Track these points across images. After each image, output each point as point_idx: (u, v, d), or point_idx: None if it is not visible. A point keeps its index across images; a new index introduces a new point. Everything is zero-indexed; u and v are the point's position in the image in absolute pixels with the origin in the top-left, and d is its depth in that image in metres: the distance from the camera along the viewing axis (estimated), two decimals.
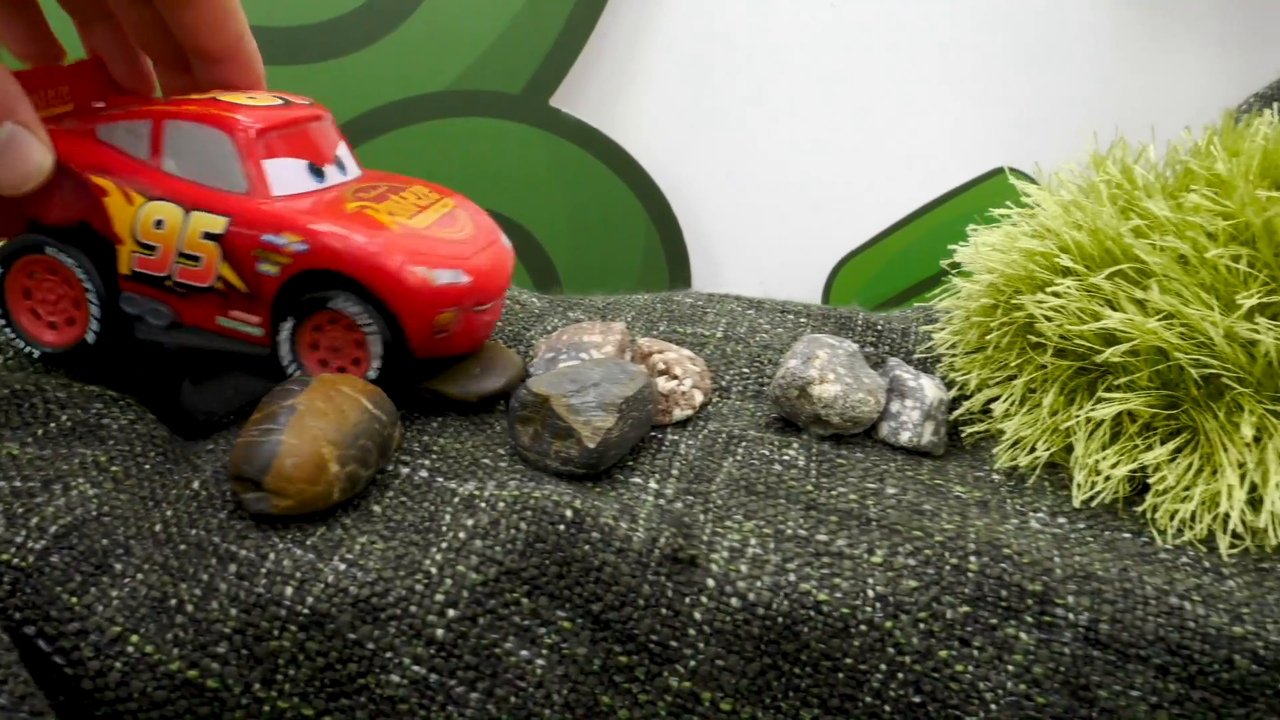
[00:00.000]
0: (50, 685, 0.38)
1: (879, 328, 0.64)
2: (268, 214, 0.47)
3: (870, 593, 0.42)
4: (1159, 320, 0.47)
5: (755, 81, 1.18)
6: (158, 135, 0.48)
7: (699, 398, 0.53)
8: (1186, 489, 0.46)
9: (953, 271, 0.60)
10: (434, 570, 0.41)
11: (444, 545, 0.42)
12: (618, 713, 0.41)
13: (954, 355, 0.58)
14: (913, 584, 0.42)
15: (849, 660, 0.41)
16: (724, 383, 0.57)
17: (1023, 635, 0.42)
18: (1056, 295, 0.50)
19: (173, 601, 0.39)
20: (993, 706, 0.41)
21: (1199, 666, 0.40)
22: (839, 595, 0.42)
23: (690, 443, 0.50)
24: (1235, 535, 0.45)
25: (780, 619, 0.41)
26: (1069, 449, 0.50)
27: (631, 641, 0.41)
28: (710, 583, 0.42)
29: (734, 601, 0.41)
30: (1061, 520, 0.47)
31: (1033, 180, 0.59)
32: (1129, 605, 0.42)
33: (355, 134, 1.09)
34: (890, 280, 1.23)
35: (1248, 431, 0.45)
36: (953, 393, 0.56)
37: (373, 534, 0.42)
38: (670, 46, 1.16)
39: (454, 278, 0.48)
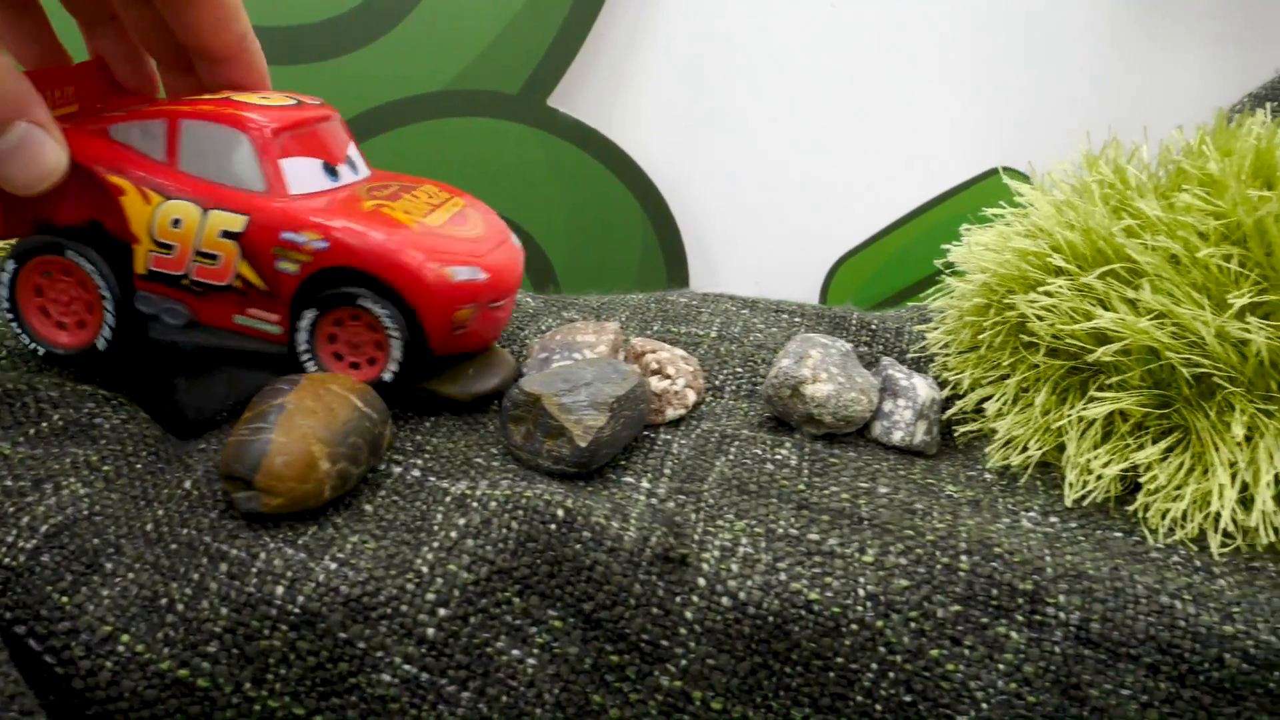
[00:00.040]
0: (41, 684, 0.38)
1: (873, 327, 0.64)
2: (287, 212, 0.47)
3: (861, 592, 0.42)
4: (1151, 320, 0.47)
5: (753, 81, 1.18)
6: (174, 135, 0.48)
7: (692, 397, 0.53)
8: (1178, 488, 0.46)
9: (947, 271, 0.60)
10: (425, 569, 0.41)
11: (435, 545, 0.42)
12: (609, 712, 0.41)
13: (947, 355, 0.58)
14: (904, 583, 0.42)
15: (840, 659, 0.41)
16: (718, 382, 0.57)
17: (1014, 634, 0.42)
18: (1049, 295, 0.50)
19: (164, 601, 0.39)
20: (984, 705, 0.41)
21: (1189, 665, 0.40)
22: (830, 594, 0.42)
23: (683, 442, 0.50)
24: (1226, 534, 0.45)
25: (771, 618, 0.41)
26: (1061, 448, 0.50)
27: (623, 640, 0.41)
28: (701, 582, 0.42)
29: (725, 601, 0.41)
30: (1053, 519, 0.47)
31: (1029, 180, 0.59)
32: (1120, 604, 0.42)
33: (354, 134, 1.09)
34: (888, 280, 1.23)
35: (1239, 431, 0.45)
36: (946, 392, 0.56)
37: (364, 533, 0.42)
38: (668, 46, 1.16)
39: (472, 274, 0.48)
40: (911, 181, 1.20)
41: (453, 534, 0.42)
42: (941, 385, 0.56)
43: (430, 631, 0.40)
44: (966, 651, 0.41)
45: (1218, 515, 0.45)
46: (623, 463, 0.48)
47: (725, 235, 1.23)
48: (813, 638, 0.41)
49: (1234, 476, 0.45)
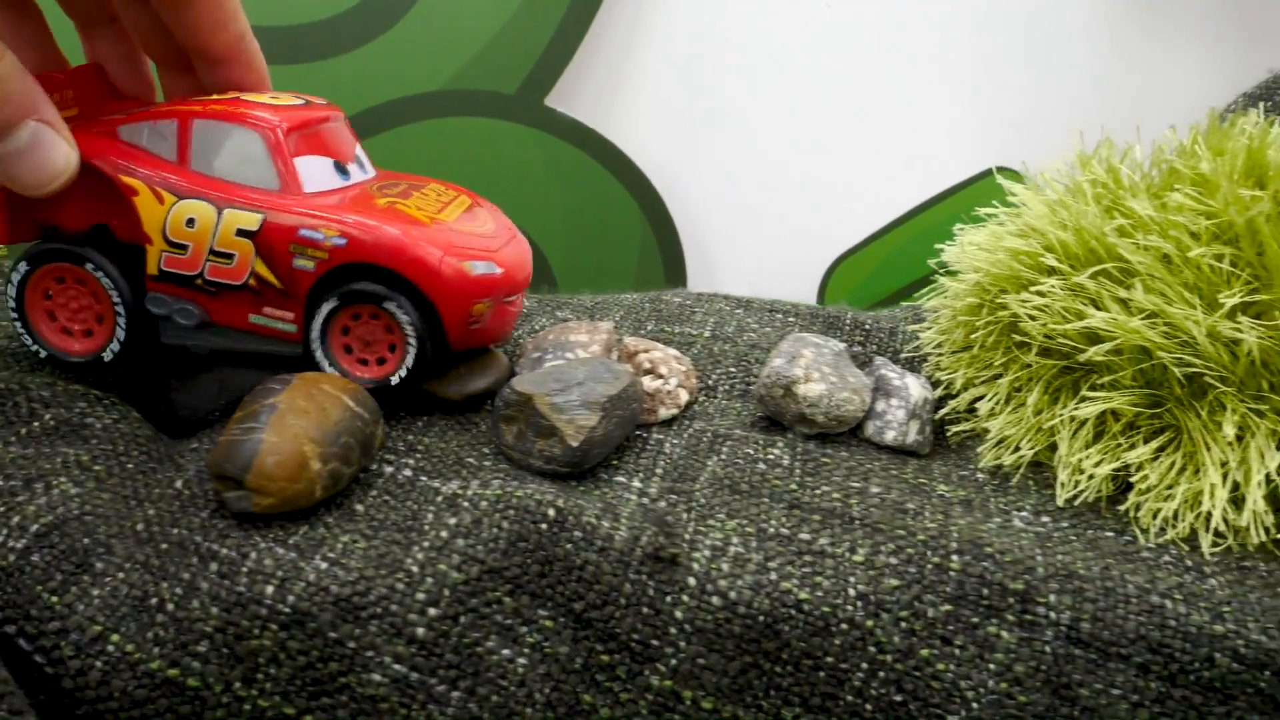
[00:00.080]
0: (30, 684, 0.38)
1: (867, 327, 0.64)
2: (304, 210, 0.48)
3: (852, 591, 0.42)
4: (1142, 319, 0.47)
5: (751, 81, 1.18)
6: (185, 135, 0.48)
7: (684, 397, 0.53)
8: (1169, 488, 0.46)
9: (941, 271, 0.60)
10: (415, 569, 0.41)
11: (426, 544, 0.42)
12: (599, 711, 0.41)
13: (940, 354, 0.58)
14: (894, 583, 0.42)
15: (830, 659, 0.41)
16: (711, 382, 0.57)
17: (1004, 634, 0.42)
18: (1041, 294, 0.50)
19: (154, 600, 0.39)
20: (974, 705, 0.41)
21: (1180, 665, 0.40)
22: (820, 594, 0.42)
23: (675, 442, 0.50)
24: (1217, 534, 0.45)
25: (761, 618, 0.41)
26: (1053, 448, 0.50)
27: (613, 640, 0.41)
28: (692, 581, 0.42)
29: (715, 600, 0.41)
30: (1045, 519, 0.47)
31: (1024, 180, 0.59)
32: (1110, 604, 0.42)
33: None
34: (885, 280, 1.22)
35: (1230, 430, 0.45)
36: (939, 392, 0.56)
37: (355, 533, 0.42)
38: (665, 46, 1.16)
39: (488, 269, 0.49)
40: (910, 181, 1.20)
41: (443, 534, 0.42)
42: (934, 385, 0.56)
43: (420, 631, 0.40)
44: (957, 651, 0.41)
45: (1209, 515, 0.45)
46: (615, 462, 0.48)
47: (723, 235, 1.23)
48: (803, 637, 0.41)
49: (1225, 476, 0.45)
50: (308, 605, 0.39)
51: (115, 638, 0.38)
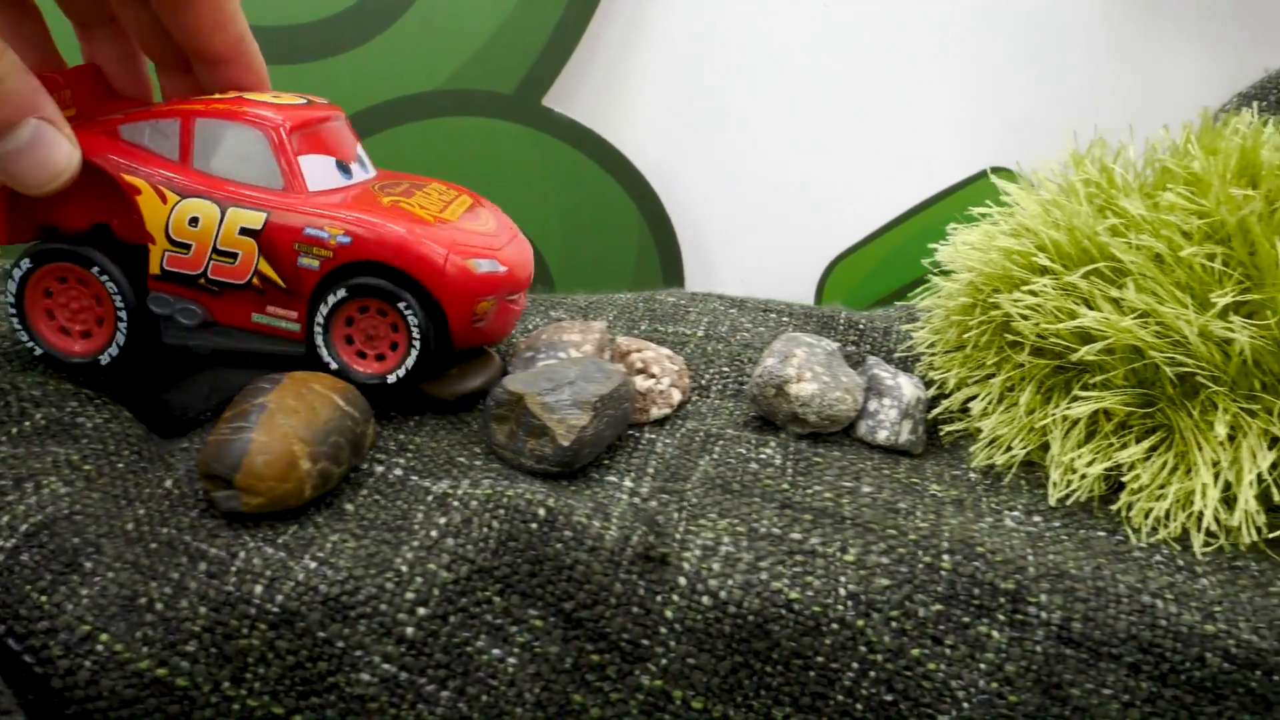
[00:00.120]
0: (19, 684, 0.38)
1: (860, 327, 0.64)
2: (309, 208, 0.48)
3: (842, 591, 0.42)
4: (1134, 319, 0.47)
5: (749, 82, 1.18)
6: (188, 134, 0.48)
7: (677, 396, 0.53)
8: (1161, 487, 0.46)
9: (935, 271, 0.60)
10: (405, 569, 0.41)
11: (415, 544, 0.42)
12: (589, 711, 0.41)
13: (933, 354, 0.58)
14: (885, 582, 0.42)
15: (820, 659, 0.41)
16: (704, 381, 0.57)
17: (995, 633, 0.42)
18: (1033, 294, 0.50)
19: (142, 600, 0.39)
20: (965, 705, 0.41)
21: (1171, 665, 0.40)
22: (811, 594, 0.42)
23: (667, 441, 0.50)
24: (1209, 534, 0.45)
25: (751, 617, 0.41)
26: (1045, 447, 0.50)
27: (603, 640, 0.41)
28: (682, 581, 0.42)
29: (705, 600, 0.41)
30: (1036, 519, 0.47)
31: (1018, 180, 0.59)
32: (1101, 604, 0.42)
33: None
34: (883, 280, 1.22)
35: (1221, 430, 0.45)
36: (932, 391, 0.56)
37: (344, 532, 0.42)
38: (663, 46, 1.16)
39: (492, 267, 0.49)
40: (908, 181, 1.20)
41: (433, 533, 0.42)
42: (927, 384, 0.56)
43: (409, 631, 0.40)
44: (948, 651, 0.41)
45: (1200, 514, 0.45)
46: (606, 462, 0.48)
47: (721, 235, 1.23)
48: (793, 637, 0.41)
49: (1217, 476, 0.45)
50: (296, 605, 0.39)
51: (104, 637, 0.38)
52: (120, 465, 0.45)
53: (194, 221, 0.48)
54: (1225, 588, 0.43)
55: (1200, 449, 0.46)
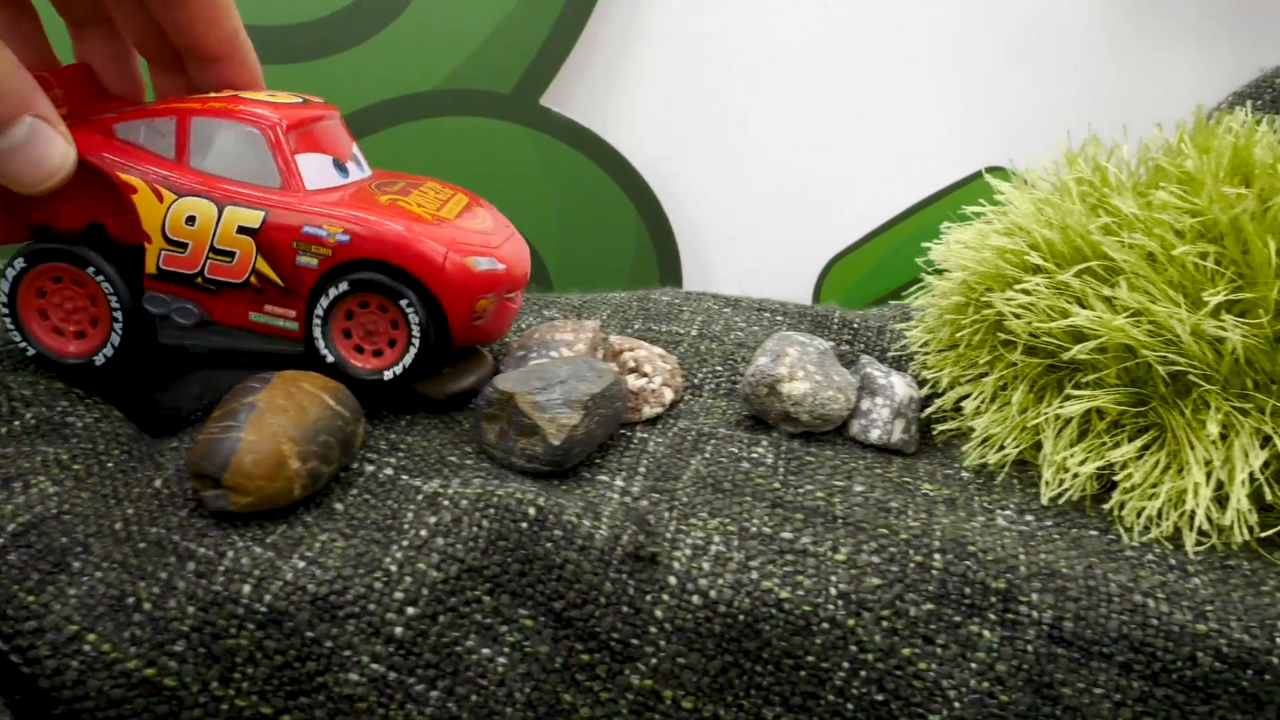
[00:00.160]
0: (6, 684, 0.38)
1: (854, 326, 0.63)
2: (307, 207, 0.47)
3: (833, 590, 0.42)
4: (1127, 317, 0.46)
5: (747, 81, 1.18)
6: (184, 132, 0.48)
7: (669, 395, 0.53)
8: (1153, 486, 0.46)
9: (929, 270, 0.60)
10: (394, 568, 0.41)
11: (405, 543, 0.42)
12: (579, 711, 0.41)
13: (926, 353, 0.58)
14: (876, 581, 0.42)
15: (811, 658, 0.41)
16: (697, 381, 0.57)
17: (986, 633, 0.41)
18: (1026, 293, 0.50)
19: (130, 600, 0.39)
20: (956, 704, 0.41)
21: (1162, 664, 0.40)
22: (801, 593, 0.41)
23: (659, 440, 0.50)
24: (1201, 533, 0.45)
25: (742, 616, 0.41)
26: (1038, 446, 0.50)
27: (593, 639, 0.41)
28: (672, 580, 0.42)
29: (695, 599, 0.41)
30: (1029, 518, 0.47)
31: (1016, 179, 0.59)
32: (1093, 603, 0.42)
33: None
34: (881, 280, 1.22)
35: (1213, 429, 0.45)
36: (925, 390, 0.56)
37: (334, 532, 0.42)
38: (661, 46, 1.16)
39: (491, 265, 0.49)
40: (906, 181, 1.20)
41: (423, 532, 0.42)
42: (921, 384, 0.56)
43: (398, 630, 0.40)
44: (939, 650, 0.41)
45: (1192, 513, 0.45)
46: (598, 461, 0.48)
47: (719, 235, 1.23)
48: (784, 636, 0.41)
49: (1209, 475, 0.45)
50: (285, 604, 0.39)
51: (92, 637, 0.38)
52: (110, 465, 0.45)
53: (191, 220, 0.47)
54: (1217, 587, 0.43)
55: (1192, 448, 0.45)
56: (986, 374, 0.53)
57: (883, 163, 1.20)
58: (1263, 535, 0.45)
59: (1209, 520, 0.45)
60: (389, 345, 0.49)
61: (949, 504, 0.47)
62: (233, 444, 0.41)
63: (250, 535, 0.41)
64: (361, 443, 0.46)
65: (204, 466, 0.41)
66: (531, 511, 0.43)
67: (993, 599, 0.42)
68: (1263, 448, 0.45)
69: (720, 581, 0.42)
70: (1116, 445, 0.47)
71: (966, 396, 0.53)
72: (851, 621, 0.41)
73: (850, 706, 0.41)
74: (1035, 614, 0.41)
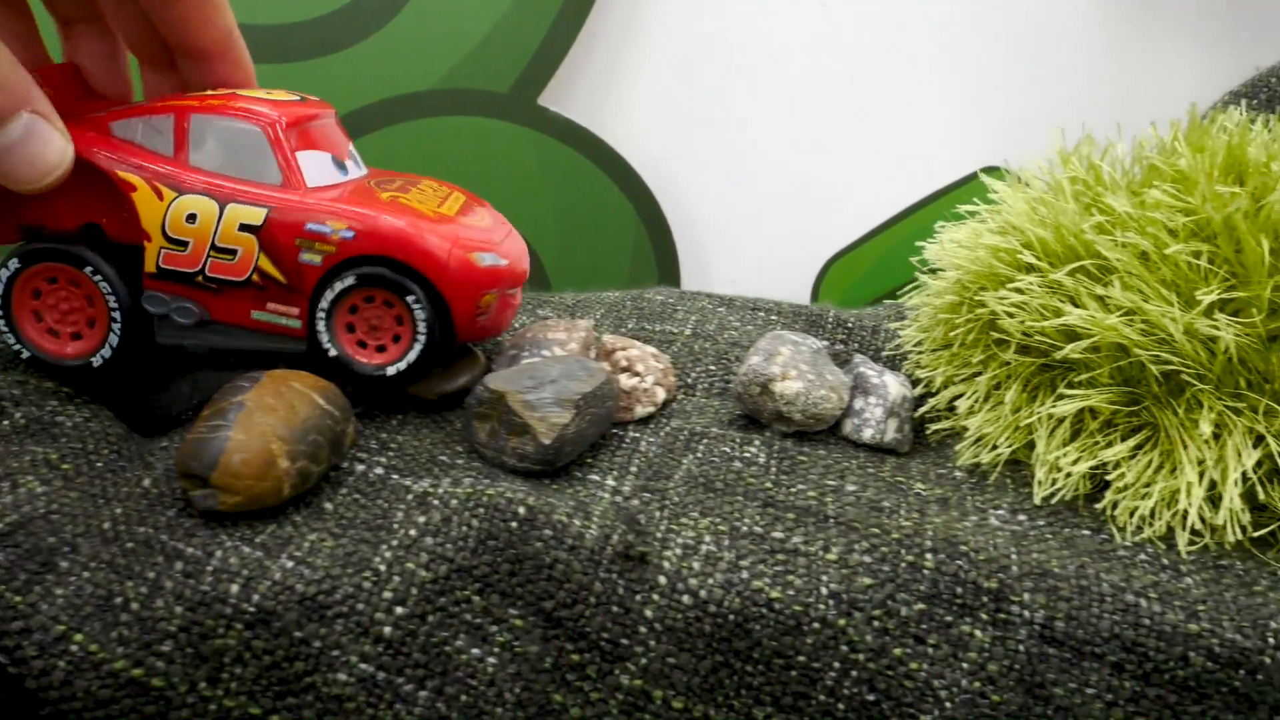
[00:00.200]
0: None
1: (849, 325, 0.63)
2: (311, 203, 0.47)
3: (824, 590, 0.42)
4: (1120, 316, 0.46)
5: (745, 81, 1.17)
6: (183, 130, 0.48)
7: (661, 395, 0.53)
8: (1146, 486, 0.46)
9: (924, 269, 0.60)
10: (383, 568, 0.40)
11: (394, 543, 0.41)
12: (569, 711, 0.41)
13: (920, 352, 0.58)
14: (868, 581, 0.42)
15: (802, 658, 0.41)
16: (690, 380, 0.57)
17: (978, 633, 0.41)
18: (1019, 291, 0.50)
19: (118, 600, 0.39)
20: (947, 704, 0.40)
21: (1154, 664, 0.40)
22: (792, 593, 0.41)
23: (651, 440, 0.50)
24: (1194, 532, 0.45)
25: (732, 616, 0.41)
26: (1031, 446, 0.50)
27: (583, 639, 0.41)
28: (662, 580, 0.42)
29: (685, 599, 0.41)
30: (1021, 517, 0.46)
31: (1010, 178, 0.59)
32: (1085, 602, 0.41)
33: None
34: (879, 280, 1.22)
35: (1207, 428, 0.44)
36: (919, 390, 0.55)
37: (323, 531, 0.42)
38: (659, 46, 1.16)
39: (494, 260, 0.49)
40: (904, 181, 1.20)
41: (412, 532, 0.42)
42: (914, 383, 0.56)
43: (387, 630, 0.40)
44: (930, 650, 0.41)
45: (1185, 513, 0.45)
46: (589, 460, 0.48)
47: (717, 235, 1.23)
48: (774, 636, 0.41)
49: (1202, 474, 0.45)
50: (273, 604, 0.39)
51: (79, 637, 0.38)
52: (99, 464, 0.45)
53: (191, 218, 0.47)
54: (1209, 587, 0.42)
55: (1185, 447, 0.45)
56: (980, 373, 0.52)
57: (882, 162, 1.20)
58: (1255, 535, 0.45)
59: (1202, 520, 0.45)
60: (393, 341, 0.49)
61: (941, 504, 0.47)
62: (221, 443, 0.41)
63: (239, 535, 0.41)
64: (352, 442, 0.46)
65: (192, 466, 0.41)
66: (521, 511, 0.42)
67: (985, 599, 0.42)
68: (1255, 447, 0.44)
69: (711, 581, 0.41)
70: (1109, 445, 0.47)
71: (960, 396, 0.53)
72: (843, 621, 0.41)
73: (841, 707, 0.41)
74: (1027, 614, 0.41)
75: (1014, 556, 0.43)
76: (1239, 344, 0.44)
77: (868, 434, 0.52)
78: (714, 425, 0.52)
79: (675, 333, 0.61)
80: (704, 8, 1.15)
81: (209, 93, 0.50)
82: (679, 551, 0.42)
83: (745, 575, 0.42)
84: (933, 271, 0.59)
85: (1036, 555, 0.43)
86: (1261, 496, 0.45)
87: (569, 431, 0.46)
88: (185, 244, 0.47)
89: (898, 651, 0.41)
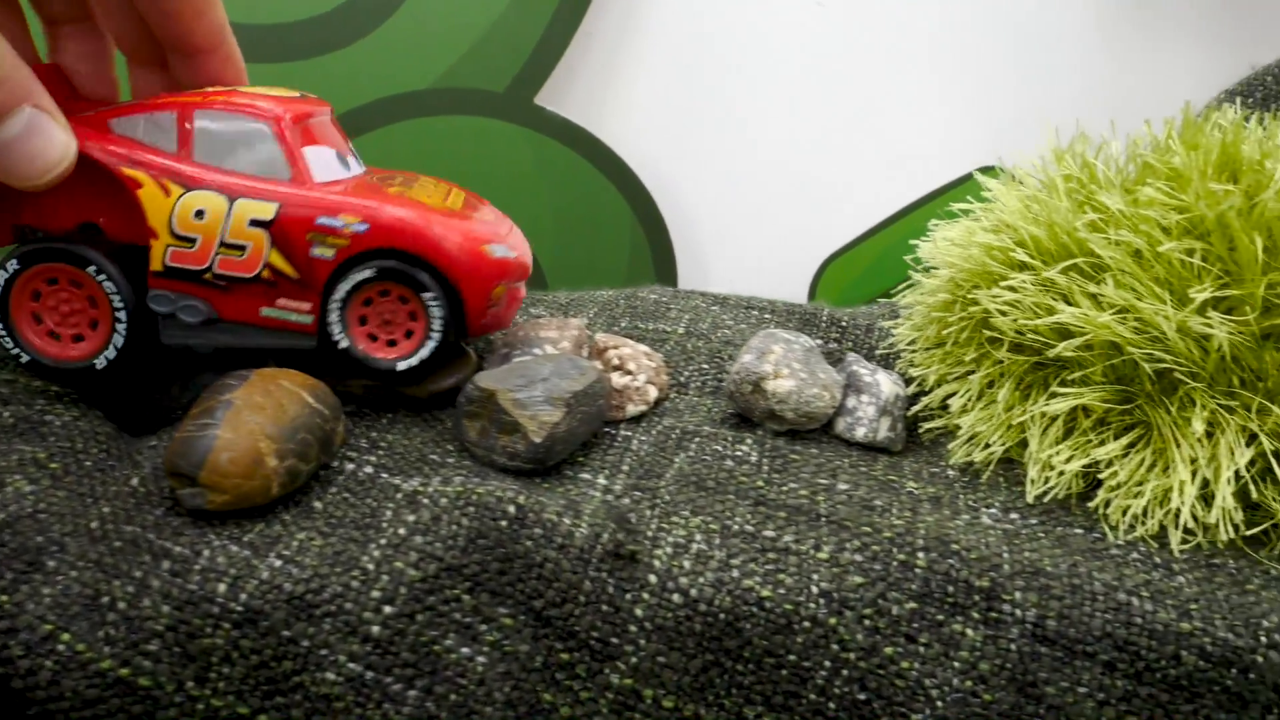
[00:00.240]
0: None
1: (842, 324, 0.63)
2: (322, 197, 0.47)
3: (815, 589, 0.41)
4: (1113, 314, 0.46)
5: (742, 81, 1.17)
6: (186, 126, 0.47)
7: (653, 393, 0.53)
8: (1138, 484, 0.46)
9: (917, 267, 0.60)
10: (371, 567, 0.40)
11: (383, 541, 0.41)
12: (559, 710, 0.41)
13: (914, 351, 0.57)
14: (859, 580, 0.42)
15: (792, 657, 0.41)
16: (683, 378, 0.57)
17: (969, 631, 0.41)
18: (1012, 290, 0.49)
19: (105, 599, 0.39)
20: (939, 704, 0.40)
21: (1146, 663, 0.40)
22: (783, 591, 0.41)
23: (643, 439, 0.50)
24: (1186, 531, 0.45)
25: (723, 615, 0.41)
26: (1024, 444, 0.50)
27: (573, 638, 0.41)
28: (652, 579, 0.41)
29: (676, 598, 0.41)
30: (1014, 516, 0.46)
31: (1004, 176, 0.59)
32: (1077, 601, 0.41)
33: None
34: (876, 279, 1.22)
35: (1199, 427, 0.44)
36: (912, 388, 0.55)
37: (312, 530, 0.42)
38: (656, 45, 1.16)
39: (505, 251, 0.49)
40: (902, 180, 1.20)
41: (401, 531, 0.42)
42: (908, 382, 0.56)
43: (375, 629, 0.39)
44: (921, 649, 0.41)
45: (1178, 511, 0.45)
46: (580, 459, 0.48)
47: (714, 234, 1.23)
48: (764, 635, 0.41)
49: (1194, 473, 0.45)
50: (260, 603, 0.39)
51: (66, 637, 0.38)
52: (88, 463, 0.45)
53: (200, 214, 0.46)
54: (1202, 585, 0.42)
55: (1178, 446, 0.45)
56: (973, 371, 0.52)
57: (879, 162, 1.20)
58: (1248, 533, 0.44)
59: (1194, 518, 0.45)
60: (405, 336, 0.49)
61: (934, 502, 0.47)
62: (209, 442, 0.41)
63: (227, 534, 0.41)
64: (341, 441, 0.46)
65: (180, 464, 0.41)
66: (511, 510, 0.42)
67: (976, 597, 0.42)
68: (1248, 445, 0.44)
69: (701, 580, 0.41)
70: (1102, 443, 0.47)
71: (953, 394, 0.53)
72: (833, 620, 0.41)
73: (832, 706, 0.41)
74: (1019, 612, 0.41)
75: (1006, 555, 0.43)
76: (1232, 342, 0.44)
77: (860, 433, 0.51)
78: (706, 424, 0.52)
79: (668, 331, 0.61)
80: (701, 8, 1.15)
81: (209, 90, 0.50)
82: (669, 550, 0.42)
83: (736, 574, 0.42)
84: (926, 270, 0.58)
85: (1029, 554, 0.43)
86: (1254, 495, 0.45)
87: (560, 430, 0.46)
88: (193, 240, 0.47)
89: (889, 650, 0.41)
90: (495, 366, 0.53)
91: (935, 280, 0.56)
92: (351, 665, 0.39)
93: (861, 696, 0.41)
